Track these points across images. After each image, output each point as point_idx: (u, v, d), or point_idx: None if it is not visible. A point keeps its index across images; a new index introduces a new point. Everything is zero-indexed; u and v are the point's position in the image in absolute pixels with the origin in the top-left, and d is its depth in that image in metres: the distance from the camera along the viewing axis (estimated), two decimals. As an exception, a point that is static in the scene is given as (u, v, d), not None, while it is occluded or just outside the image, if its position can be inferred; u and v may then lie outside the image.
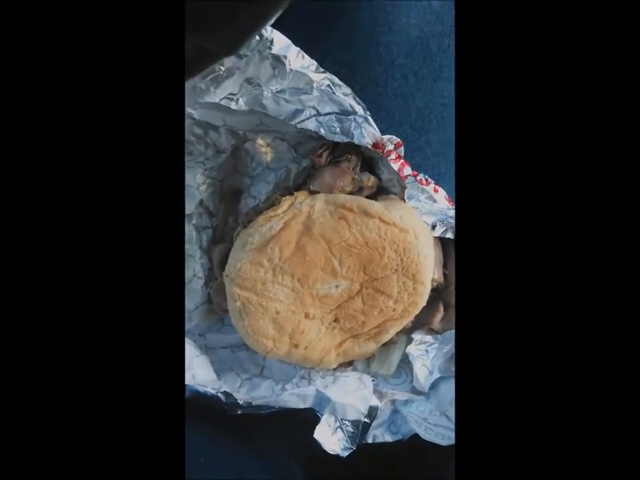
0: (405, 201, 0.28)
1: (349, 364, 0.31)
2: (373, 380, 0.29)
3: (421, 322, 0.31)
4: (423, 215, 0.29)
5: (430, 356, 0.31)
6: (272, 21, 0.23)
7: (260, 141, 0.34)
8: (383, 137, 0.29)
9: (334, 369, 0.31)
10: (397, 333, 0.31)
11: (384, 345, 0.31)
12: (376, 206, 0.27)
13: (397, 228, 0.26)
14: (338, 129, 0.29)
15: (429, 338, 0.31)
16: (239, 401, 0.26)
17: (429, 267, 0.28)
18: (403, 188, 0.28)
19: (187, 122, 0.32)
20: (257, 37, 0.26)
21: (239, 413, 0.26)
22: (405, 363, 0.31)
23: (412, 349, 0.30)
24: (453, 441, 0.25)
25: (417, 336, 0.31)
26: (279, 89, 0.29)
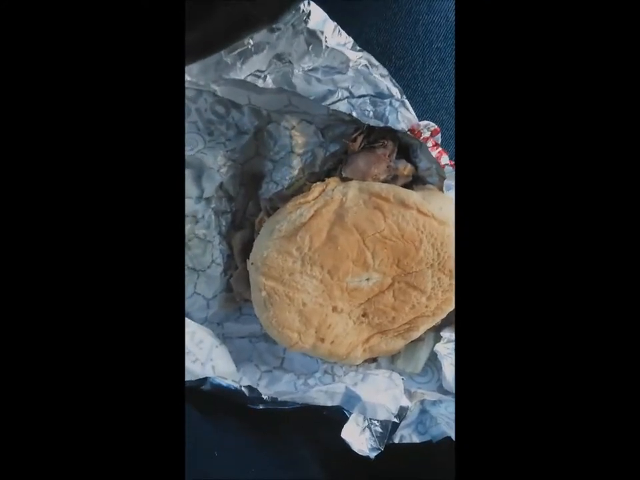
0: (443, 192, 0.27)
1: (372, 360, 0.30)
2: (403, 378, 0.28)
3: (451, 319, 0.29)
4: (460, 207, 0.27)
5: (457, 355, 0.30)
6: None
7: (285, 123, 0.32)
8: (420, 122, 0.27)
9: (357, 365, 0.29)
10: (426, 330, 0.29)
11: (410, 341, 0.30)
12: (414, 196, 0.25)
13: (435, 220, 0.25)
14: (371, 113, 0.28)
15: (456, 336, 0.30)
16: (263, 396, 0.25)
17: (466, 263, 0.26)
18: (442, 178, 0.26)
19: (209, 100, 0.30)
20: (293, 10, 0.24)
21: (261, 407, 0.25)
22: (433, 361, 0.30)
23: (440, 347, 0.29)
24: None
25: (446, 334, 0.30)
26: (311, 67, 0.27)
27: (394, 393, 0.25)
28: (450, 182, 0.27)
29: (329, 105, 0.28)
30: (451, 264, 0.25)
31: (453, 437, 0.25)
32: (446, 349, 0.29)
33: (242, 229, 0.30)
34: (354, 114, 0.27)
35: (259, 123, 0.31)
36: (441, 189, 0.27)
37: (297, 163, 0.32)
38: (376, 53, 0.30)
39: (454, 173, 0.27)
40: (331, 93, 0.28)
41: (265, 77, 0.27)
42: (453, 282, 0.26)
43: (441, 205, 0.25)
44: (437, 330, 0.30)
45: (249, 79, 0.27)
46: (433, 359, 0.30)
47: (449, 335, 0.30)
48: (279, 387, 0.27)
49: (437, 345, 0.29)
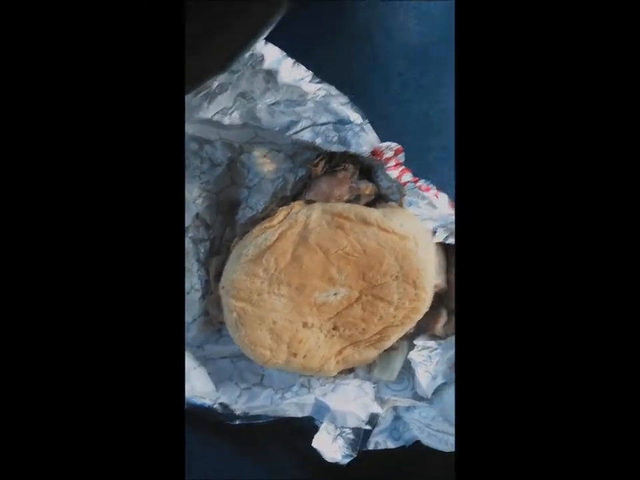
0: (404, 208, 0.28)
1: (349, 371, 0.31)
2: (374, 386, 0.29)
3: (424, 328, 0.30)
4: (424, 221, 0.29)
5: (433, 362, 0.31)
6: (264, 35, 0.24)
7: (256, 152, 0.34)
8: (382, 144, 0.29)
9: (334, 377, 0.30)
10: (399, 339, 0.30)
11: (385, 351, 0.31)
12: (374, 214, 0.27)
13: (396, 235, 0.26)
14: (335, 138, 0.30)
15: (431, 343, 0.31)
16: (235, 412, 0.26)
17: (431, 273, 0.28)
18: (403, 195, 0.28)
19: (183, 136, 0.32)
20: (248, 53, 0.27)
21: (237, 423, 0.26)
22: (407, 369, 0.31)
23: (414, 355, 0.30)
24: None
25: (420, 342, 0.31)
26: (273, 102, 0.29)
27: (363, 401, 0.27)
28: (411, 198, 0.29)
29: (294, 134, 0.30)
30: (415, 275, 0.27)
31: (423, 441, 0.26)
32: (420, 356, 0.31)
33: (218, 255, 0.32)
34: (318, 140, 0.29)
35: (231, 154, 0.33)
36: (401, 206, 0.29)
37: (269, 188, 0.34)
38: (339, 81, 0.32)
39: (416, 189, 0.29)
40: (294, 123, 0.30)
41: (232, 113, 0.29)
42: (419, 292, 0.27)
43: (402, 221, 0.27)
44: (410, 338, 0.31)
45: (216, 117, 0.29)
46: (408, 366, 0.31)
47: (422, 342, 0.31)
48: (257, 403, 0.28)
49: (411, 352, 0.30)
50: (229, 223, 0.34)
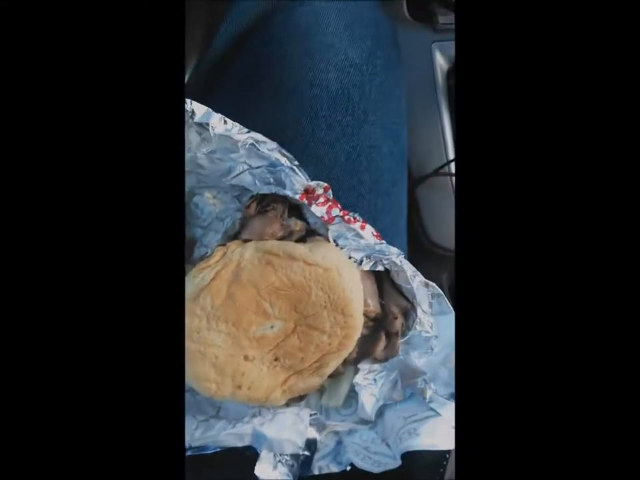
0: (329, 241, 0.30)
1: (300, 399, 0.32)
2: (314, 414, 0.30)
3: (365, 352, 0.32)
4: (351, 252, 0.31)
5: (378, 384, 0.32)
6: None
7: (207, 194, 0.37)
8: (311, 183, 0.32)
9: (286, 405, 0.32)
10: (344, 364, 0.32)
11: (333, 377, 0.32)
12: (300, 249, 0.29)
13: (320, 268, 0.28)
14: (271, 179, 0.32)
15: (376, 367, 0.33)
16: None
17: (357, 300, 0.29)
18: (327, 229, 0.30)
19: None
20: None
21: (189, 454, 0.28)
22: (354, 393, 0.32)
23: (359, 379, 0.32)
24: (386, 468, 0.27)
25: (365, 366, 0.32)
26: (209, 150, 0.32)
27: (299, 428, 0.28)
28: (339, 231, 0.31)
29: (234, 178, 0.33)
30: (342, 303, 0.29)
31: (357, 464, 0.27)
32: (365, 379, 0.32)
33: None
34: (257, 183, 0.32)
35: (185, 198, 0.36)
36: (327, 239, 0.31)
37: (220, 227, 0.36)
38: (271, 128, 0.35)
39: (343, 222, 0.31)
40: (233, 168, 0.32)
41: (177, 162, 0.32)
42: (348, 319, 0.29)
43: (325, 253, 0.29)
44: (354, 363, 0.32)
45: (163, 166, 0.32)
46: (354, 391, 0.32)
47: (368, 366, 0.32)
48: (211, 433, 0.30)
49: (357, 377, 0.32)
50: (186, 261, 0.37)
